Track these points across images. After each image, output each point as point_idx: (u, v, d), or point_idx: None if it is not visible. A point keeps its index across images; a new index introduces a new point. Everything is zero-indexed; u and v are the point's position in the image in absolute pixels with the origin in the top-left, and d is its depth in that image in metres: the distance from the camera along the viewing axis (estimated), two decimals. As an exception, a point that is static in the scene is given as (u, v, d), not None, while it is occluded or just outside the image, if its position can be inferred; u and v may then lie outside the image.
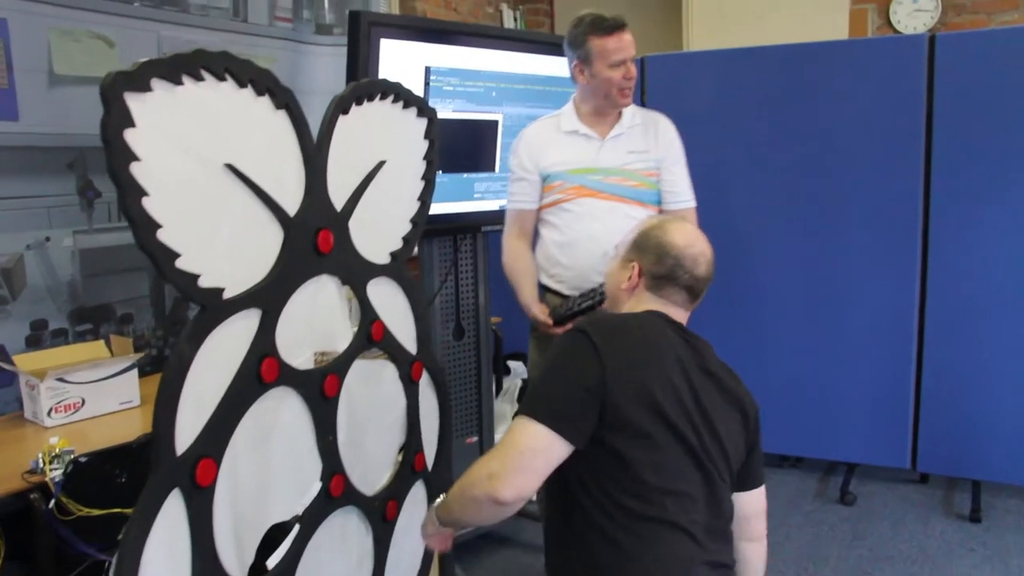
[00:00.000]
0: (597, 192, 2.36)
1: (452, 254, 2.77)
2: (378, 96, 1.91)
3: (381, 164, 1.92)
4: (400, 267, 2.03)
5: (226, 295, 1.51)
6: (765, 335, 3.47)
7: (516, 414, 1.58)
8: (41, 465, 1.87)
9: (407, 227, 2.06)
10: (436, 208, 2.54)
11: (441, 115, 2.49)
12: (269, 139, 1.60)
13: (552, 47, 2.76)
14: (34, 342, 2.50)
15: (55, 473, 1.86)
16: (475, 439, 2.95)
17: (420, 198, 2.11)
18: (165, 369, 1.41)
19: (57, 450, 1.88)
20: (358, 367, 1.92)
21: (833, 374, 3.39)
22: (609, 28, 2.30)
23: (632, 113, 2.44)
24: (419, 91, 2.42)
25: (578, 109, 2.41)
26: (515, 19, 4.76)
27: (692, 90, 3.49)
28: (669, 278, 1.76)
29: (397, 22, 2.41)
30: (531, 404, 1.57)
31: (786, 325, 3.43)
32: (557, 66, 2.77)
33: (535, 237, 2.48)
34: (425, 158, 2.11)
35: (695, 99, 3.48)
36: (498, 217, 2.74)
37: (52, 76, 2.56)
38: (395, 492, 2.03)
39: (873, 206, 3.25)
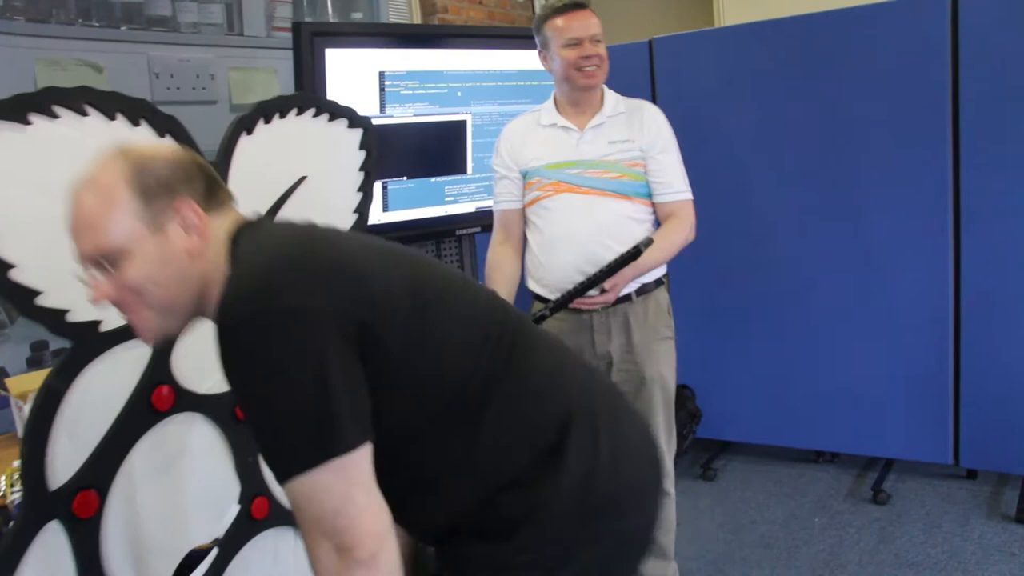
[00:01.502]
0: (576, 187, 2.23)
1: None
2: (293, 111, 1.89)
3: (302, 180, 1.90)
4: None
5: (104, 327, 1.52)
6: (791, 327, 3.28)
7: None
8: (3, 487, 1.94)
9: (341, 241, 2.04)
10: (404, 214, 2.52)
11: (400, 120, 2.47)
12: (152, 168, 1.60)
13: (521, 40, 2.67)
14: (36, 363, 2.61)
15: (16, 495, 1.93)
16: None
17: (357, 210, 2.08)
18: (33, 405, 1.43)
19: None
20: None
21: (866, 365, 3.17)
22: (562, 9, 2.20)
23: (615, 101, 2.31)
24: (374, 98, 2.39)
25: (557, 101, 2.30)
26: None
27: (703, 71, 3.32)
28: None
29: (341, 30, 2.38)
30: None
31: (813, 315, 3.23)
32: (529, 59, 2.68)
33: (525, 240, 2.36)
34: (362, 169, 2.08)
35: (706, 80, 3.31)
36: (474, 219, 2.69)
37: (41, 106, 2.65)
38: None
39: (899, 186, 3.01)
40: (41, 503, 1.43)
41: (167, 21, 2.99)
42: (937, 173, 2.95)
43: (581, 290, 2.15)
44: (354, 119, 2.04)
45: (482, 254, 3.17)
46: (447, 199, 2.61)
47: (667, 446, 2.33)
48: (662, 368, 2.30)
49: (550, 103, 2.30)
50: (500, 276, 2.30)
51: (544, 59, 2.27)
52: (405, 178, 2.50)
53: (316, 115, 1.95)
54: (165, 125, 1.61)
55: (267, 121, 1.83)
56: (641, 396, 2.28)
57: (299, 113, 1.91)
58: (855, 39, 3.02)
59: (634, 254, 2.09)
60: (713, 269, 3.39)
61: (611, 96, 2.30)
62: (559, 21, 2.19)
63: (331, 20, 3.51)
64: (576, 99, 2.25)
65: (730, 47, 3.26)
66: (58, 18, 2.72)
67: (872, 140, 3.04)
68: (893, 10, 2.99)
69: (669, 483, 2.36)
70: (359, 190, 2.08)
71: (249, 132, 1.79)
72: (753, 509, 3.08)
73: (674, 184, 2.28)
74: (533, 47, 2.65)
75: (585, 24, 2.19)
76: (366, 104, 2.37)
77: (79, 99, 1.46)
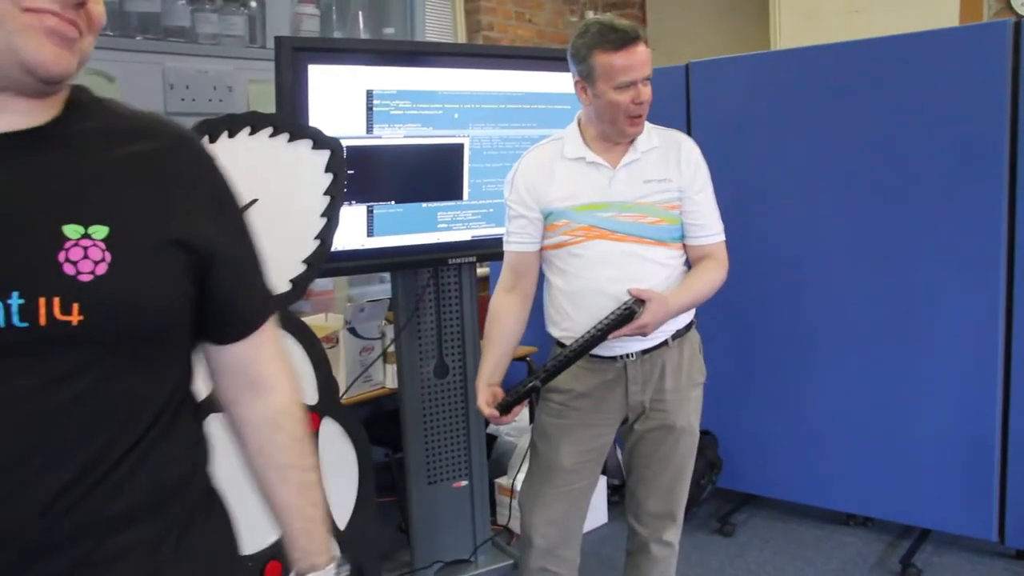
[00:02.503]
0: (609, 233, 1.99)
1: (424, 287, 2.61)
2: (245, 131, 1.80)
3: (251, 203, 1.81)
4: (283, 312, 1.91)
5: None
6: (823, 377, 3.03)
7: None
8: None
9: (297, 268, 1.94)
10: (391, 240, 2.41)
11: (388, 141, 2.36)
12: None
13: (525, 61, 2.54)
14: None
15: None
16: (464, 483, 2.77)
17: (319, 236, 1.98)
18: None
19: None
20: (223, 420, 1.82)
21: (905, 423, 2.89)
22: (617, 42, 1.89)
23: (648, 134, 2.02)
24: (361, 117, 2.28)
25: (584, 131, 2.04)
26: (599, 25, 4.52)
27: (741, 97, 3.11)
28: None
29: (325, 46, 2.29)
30: None
31: (850, 364, 2.98)
32: (535, 81, 2.54)
33: (541, 280, 2.13)
34: (327, 193, 1.98)
35: (744, 106, 3.10)
36: (469, 248, 2.56)
37: (47, 115, 2.65)
38: (279, 551, 1.90)
39: (948, 227, 2.74)
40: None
41: (185, 32, 2.96)
42: (991, 216, 2.68)
43: (573, 357, 1.93)
44: (319, 140, 1.94)
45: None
46: (440, 226, 2.48)
47: (681, 497, 2.17)
48: (691, 417, 2.12)
49: (574, 133, 2.04)
50: (499, 333, 2.08)
51: (582, 90, 1.98)
52: (393, 202, 2.38)
53: (273, 135, 1.85)
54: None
55: (212, 140, 1.74)
56: (666, 444, 2.10)
57: (252, 132, 1.82)
58: (904, 68, 2.77)
59: (627, 315, 1.88)
60: (743, 308, 3.16)
61: (643, 127, 2.03)
62: (615, 59, 1.89)
63: (362, 36, 3.44)
64: (615, 139, 2.01)
65: (770, 72, 3.05)
66: (71, 28, 2.72)
67: (922, 177, 2.78)
68: (947, 37, 2.73)
69: (673, 535, 2.17)
70: (323, 215, 1.98)
71: (189, 152, 1.70)
72: (769, 571, 2.84)
73: (711, 226, 2.06)
74: (538, 68, 2.53)
75: (642, 63, 1.92)
76: (352, 124, 2.27)
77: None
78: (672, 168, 2.00)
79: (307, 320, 3.16)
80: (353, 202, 2.31)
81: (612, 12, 4.75)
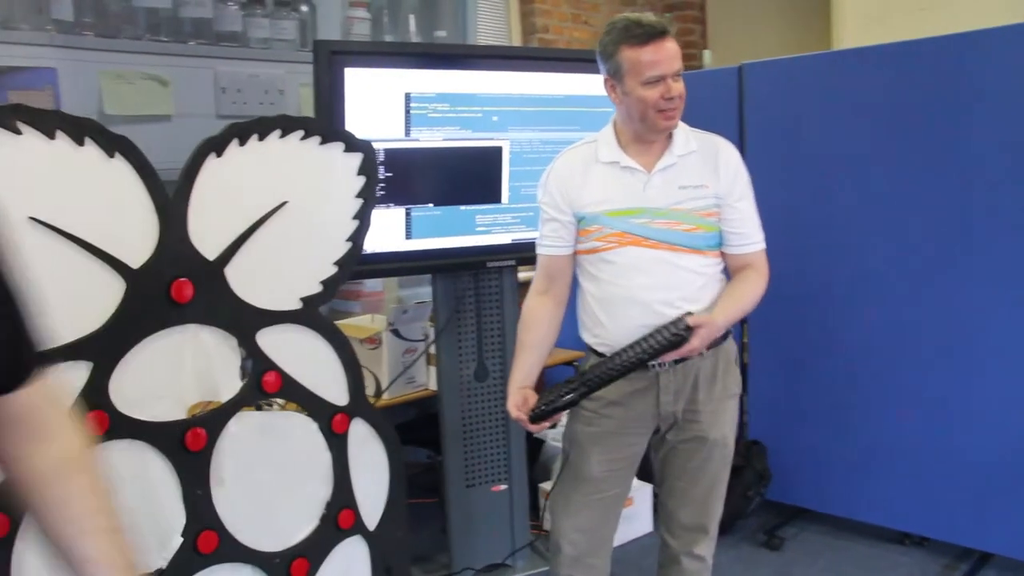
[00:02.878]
0: (643, 239, 1.94)
1: (465, 290, 2.60)
2: (275, 133, 1.82)
3: (281, 205, 1.83)
4: (313, 313, 1.92)
5: (32, 349, 1.48)
6: (880, 388, 2.92)
7: None
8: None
9: (329, 270, 1.95)
10: (429, 243, 2.41)
11: (427, 144, 2.36)
12: (99, 189, 1.56)
13: (564, 63, 2.50)
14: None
15: None
16: (503, 487, 2.75)
17: (350, 238, 1.99)
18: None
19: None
20: (254, 419, 1.84)
21: (966, 439, 2.77)
22: (643, 37, 1.85)
23: (686, 138, 1.97)
24: (399, 120, 2.29)
25: (618, 134, 2.00)
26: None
27: (796, 99, 3.03)
28: None
29: (363, 49, 2.30)
30: None
31: (911, 376, 2.86)
32: (576, 83, 2.51)
33: (575, 286, 2.11)
34: (360, 195, 1.99)
35: (799, 109, 3.02)
36: (509, 251, 2.54)
37: (103, 117, 2.72)
38: (308, 549, 1.92)
39: (1013, 237, 2.62)
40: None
41: (237, 37, 3.02)
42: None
43: (616, 375, 1.89)
44: (351, 143, 1.95)
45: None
46: (478, 229, 2.47)
47: (715, 510, 2.11)
48: (725, 429, 2.05)
49: (609, 135, 2.00)
50: (532, 337, 2.05)
51: (611, 88, 1.95)
52: (431, 205, 2.38)
53: (304, 138, 1.87)
54: (115, 145, 1.57)
55: (242, 143, 1.76)
56: (699, 456, 2.05)
57: (283, 135, 1.83)
58: (973, 66, 2.65)
59: (678, 341, 1.84)
60: (797, 315, 3.07)
61: (681, 130, 1.98)
62: (642, 54, 1.85)
63: (413, 39, 3.46)
64: (648, 138, 1.96)
65: (826, 73, 2.96)
66: (127, 33, 2.80)
67: (985, 185, 2.65)
68: (1016, 32, 2.60)
69: (705, 549, 2.12)
70: (355, 217, 1.98)
71: (219, 154, 1.73)
72: (814, 589, 2.76)
73: (751, 234, 1.99)
74: (578, 71, 2.50)
75: (670, 58, 1.86)
76: (390, 127, 2.28)
77: (11, 117, 1.44)
78: (709, 174, 1.94)
79: (353, 321, 3.19)
80: (391, 204, 2.32)
81: (671, 13, 4.68)
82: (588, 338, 2.06)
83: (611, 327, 2.00)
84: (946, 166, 2.71)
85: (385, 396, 2.83)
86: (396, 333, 2.84)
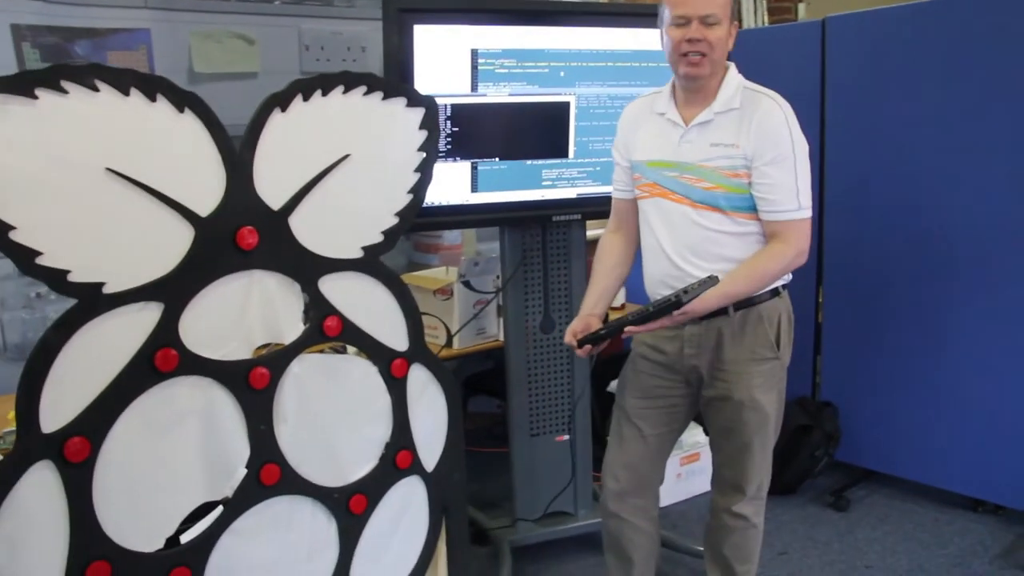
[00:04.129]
0: (669, 192, 2.01)
1: (532, 243, 2.65)
2: (338, 89, 1.90)
3: (344, 158, 1.91)
4: (374, 261, 2.00)
5: (107, 289, 1.62)
6: (962, 347, 2.84)
7: None
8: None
9: (390, 221, 2.03)
10: (495, 196, 2.47)
11: (493, 99, 2.40)
12: (170, 143, 1.67)
13: (633, 17, 2.49)
14: None
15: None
16: (566, 437, 2.82)
17: (412, 191, 2.06)
18: (31, 354, 1.56)
19: None
20: (316, 361, 1.95)
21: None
22: None
23: (732, 94, 1.96)
24: (466, 76, 2.34)
25: (674, 87, 2.05)
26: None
27: (882, 54, 2.93)
28: None
29: (432, 6, 2.33)
30: None
31: (989, 336, 2.77)
32: (643, 38, 2.49)
33: None
34: (421, 149, 2.05)
35: (885, 66, 2.92)
36: (574, 206, 2.58)
37: (192, 75, 2.88)
38: (366, 486, 2.03)
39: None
40: (33, 442, 1.56)
41: (322, -6, 3.12)
42: None
43: (635, 320, 1.92)
44: (413, 97, 2.01)
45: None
46: (544, 183, 2.51)
47: (751, 471, 2.11)
48: (754, 392, 2.04)
49: (668, 88, 2.07)
50: (601, 268, 2.17)
51: (661, 38, 2.01)
52: (498, 159, 2.43)
53: (367, 93, 1.94)
54: (185, 100, 1.67)
55: (306, 98, 1.84)
56: (727, 415, 2.07)
57: (345, 91, 1.90)
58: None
59: (674, 303, 1.84)
60: (874, 277, 3.01)
61: (730, 86, 1.97)
62: None
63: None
64: (685, 87, 1.99)
65: (907, 25, 2.84)
66: (217, -6, 2.93)
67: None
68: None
69: (747, 508, 2.15)
70: (416, 170, 2.05)
71: (283, 109, 1.81)
72: (876, 552, 2.73)
73: (781, 202, 1.94)
74: (643, 25, 2.50)
75: (697, 2, 1.88)
76: (457, 82, 2.33)
77: (89, 75, 1.55)
78: (742, 134, 1.93)
79: (430, 273, 3.29)
80: (457, 158, 2.38)
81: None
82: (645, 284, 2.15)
83: (645, 275, 2.13)
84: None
85: (456, 346, 2.92)
86: (467, 285, 2.92)
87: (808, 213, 1.96)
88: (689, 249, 1.98)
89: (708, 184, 1.96)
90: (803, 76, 2.91)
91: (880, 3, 3.02)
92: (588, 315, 2.10)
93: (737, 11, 2.01)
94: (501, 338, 3.01)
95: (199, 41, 2.88)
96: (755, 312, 2.02)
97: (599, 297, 2.14)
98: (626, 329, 1.92)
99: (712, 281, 1.84)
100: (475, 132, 2.39)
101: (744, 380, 2.03)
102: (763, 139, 1.93)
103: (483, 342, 3.01)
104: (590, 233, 2.79)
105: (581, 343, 2.03)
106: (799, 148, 1.95)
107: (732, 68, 2.01)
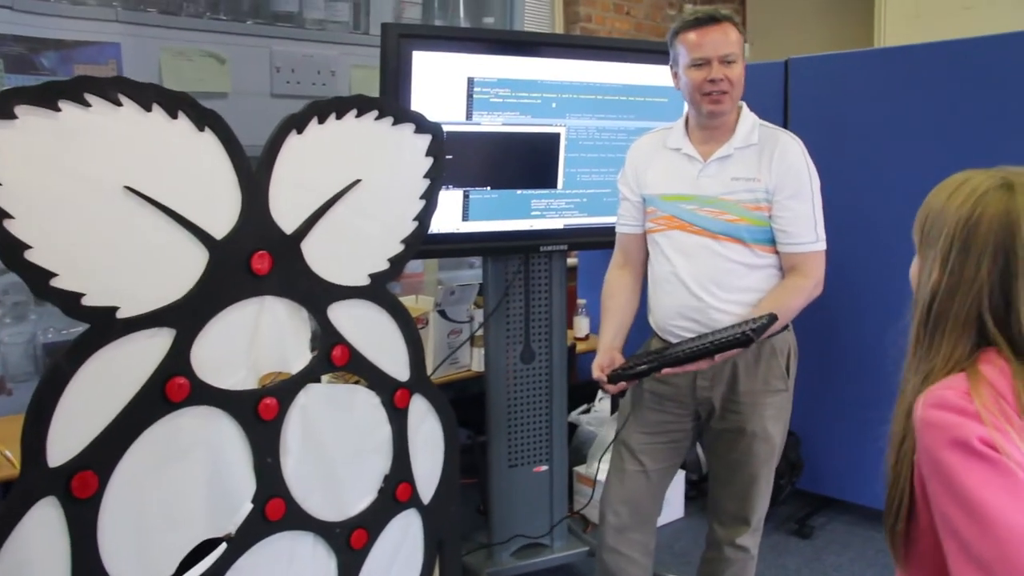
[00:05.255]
0: (688, 225, 2.03)
1: (515, 273, 2.65)
2: (352, 113, 1.86)
3: (355, 183, 1.87)
4: (381, 289, 1.97)
5: (121, 314, 1.54)
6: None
7: None
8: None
9: (395, 248, 1.99)
10: (485, 225, 2.45)
11: (487, 128, 2.40)
12: (189, 162, 1.61)
13: (624, 52, 2.54)
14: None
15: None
16: (545, 468, 2.80)
17: (417, 218, 2.03)
18: (40, 383, 1.47)
19: None
20: (321, 391, 1.89)
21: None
22: (695, 22, 1.95)
23: (749, 130, 2.02)
24: (461, 104, 2.33)
25: (688, 123, 2.09)
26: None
27: (841, 96, 3.05)
28: None
29: (431, 33, 2.33)
30: None
31: None
32: (634, 73, 2.54)
33: None
34: (427, 176, 2.03)
35: (844, 106, 3.04)
36: (561, 236, 2.59)
37: (161, 92, 2.77)
38: (366, 520, 1.98)
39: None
40: (39, 477, 1.46)
41: (293, 17, 3.07)
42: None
43: (679, 360, 1.87)
44: (422, 124, 1.99)
45: (587, 272, 3.06)
46: (533, 213, 2.51)
47: (757, 502, 2.14)
48: (767, 423, 2.07)
49: (680, 124, 2.10)
50: (615, 304, 2.16)
51: (674, 77, 2.05)
52: (489, 188, 2.42)
53: (378, 118, 1.91)
54: (205, 119, 1.61)
55: (321, 121, 1.81)
56: (738, 447, 2.09)
57: (358, 115, 1.87)
58: (1018, 66, 2.68)
59: (743, 341, 1.79)
60: (834, 309, 3.10)
61: (746, 123, 2.03)
62: (690, 36, 1.95)
63: (462, 24, 3.50)
64: (704, 124, 2.03)
65: (873, 71, 2.98)
66: (188, 11, 2.84)
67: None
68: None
69: (749, 540, 2.16)
70: (422, 197, 2.03)
71: (300, 131, 1.77)
72: (846, 575, 2.81)
73: (801, 235, 1.98)
74: (638, 61, 2.54)
75: (716, 42, 1.93)
76: (452, 110, 2.32)
77: (112, 89, 1.48)
78: (763, 168, 1.98)
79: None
80: (450, 186, 2.37)
81: (712, 6, 4.69)
82: (650, 319, 2.15)
83: (655, 307, 2.11)
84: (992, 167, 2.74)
85: (432, 378, 2.88)
86: (443, 314, 2.89)
87: (824, 245, 2.02)
88: (712, 280, 2.00)
89: (731, 216, 1.99)
90: (768, 114, 3.01)
91: (816, 49, 3.16)
92: (610, 349, 2.07)
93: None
94: (474, 368, 2.99)
95: (170, 58, 2.79)
96: (768, 345, 2.06)
97: (616, 331, 2.12)
98: (664, 371, 1.89)
99: (772, 319, 1.83)
100: (469, 160, 2.38)
101: (758, 412, 2.05)
102: (784, 173, 1.97)
103: (457, 372, 2.97)
104: (570, 261, 2.81)
105: (613, 379, 1.99)
106: (815, 183, 2.01)
107: (745, 106, 2.07)
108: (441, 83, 2.30)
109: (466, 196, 2.40)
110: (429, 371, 2.87)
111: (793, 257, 2.00)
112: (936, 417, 1.02)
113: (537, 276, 2.70)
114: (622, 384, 2.02)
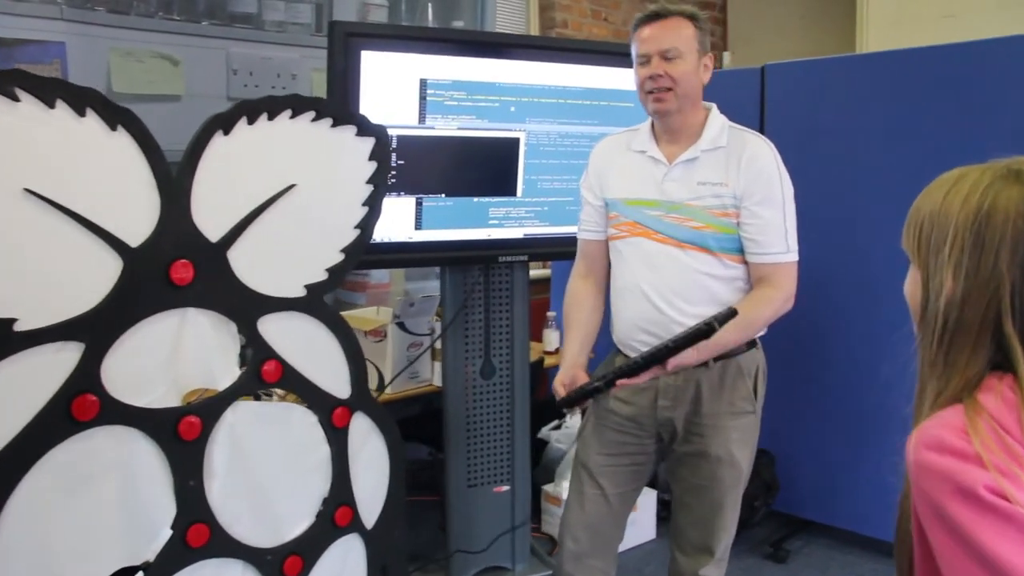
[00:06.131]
0: (652, 232, 1.90)
1: (473, 284, 2.53)
2: (285, 113, 1.75)
3: (289, 188, 1.76)
4: (317, 301, 1.85)
5: (20, 326, 1.42)
6: (890, 402, 2.84)
7: None
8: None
9: (335, 257, 1.88)
10: (440, 234, 2.34)
11: (441, 132, 2.29)
12: (99, 163, 1.50)
13: (585, 54, 2.43)
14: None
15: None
16: (506, 488, 2.69)
17: (359, 226, 1.92)
18: (-75, 404, 1.35)
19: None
20: (251, 409, 1.78)
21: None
22: (643, 20, 1.87)
23: (718, 132, 1.89)
24: (413, 106, 2.23)
25: (653, 125, 1.97)
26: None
27: (818, 102, 2.96)
28: None
29: (380, 32, 2.23)
30: None
31: (922, 389, 2.79)
32: (597, 77, 2.44)
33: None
34: (370, 181, 1.92)
35: (821, 112, 2.95)
36: (521, 247, 2.48)
37: (111, 95, 2.65)
38: (302, 546, 1.86)
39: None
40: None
41: (252, 19, 2.96)
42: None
43: (633, 369, 1.74)
44: (364, 126, 1.88)
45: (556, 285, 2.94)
46: (491, 222, 2.40)
47: (721, 531, 2.00)
48: (732, 447, 1.94)
49: (647, 126, 1.97)
50: (578, 316, 2.03)
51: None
52: (444, 195, 2.32)
53: (316, 119, 1.80)
54: (118, 117, 1.50)
55: (251, 122, 1.70)
56: (702, 472, 1.96)
57: (293, 116, 1.76)
58: (997, 73, 2.58)
59: (704, 332, 1.67)
60: (809, 323, 3.00)
61: (715, 124, 1.91)
62: (641, 32, 1.87)
63: (432, 23, 3.40)
64: (664, 126, 1.92)
65: (849, 77, 2.89)
66: (138, 11, 2.74)
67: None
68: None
69: (713, 571, 2.03)
70: (364, 204, 1.92)
71: (226, 132, 1.66)
72: (821, 605, 2.69)
73: (771, 244, 1.86)
74: (599, 63, 2.44)
75: (658, 37, 1.83)
76: (404, 113, 2.22)
77: (9, 83, 1.37)
78: (731, 172, 1.86)
79: (359, 312, 3.13)
80: (402, 193, 2.26)
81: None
82: (612, 332, 2.03)
83: (617, 319, 1.99)
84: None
85: (388, 391, 2.77)
86: (401, 326, 2.77)
87: (795, 256, 1.90)
88: (674, 292, 1.88)
89: (697, 224, 1.87)
90: (743, 121, 2.92)
91: (798, 56, 3.07)
92: (573, 366, 1.95)
93: (707, 47, 1.94)
94: (435, 383, 2.87)
95: (119, 59, 2.68)
96: (734, 364, 1.93)
97: (581, 346, 2.00)
98: (618, 382, 1.76)
99: (733, 313, 1.68)
100: (421, 166, 2.27)
101: (722, 435, 1.93)
102: (753, 178, 1.85)
103: (417, 387, 2.85)
104: (533, 272, 2.70)
105: (570, 401, 1.86)
106: (787, 190, 1.90)
107: (715, 108, 1.96)
108: (392, 85, 2.20)
109: (419, 204, 2.29)
110: (387, 385, 2.77)
111: (762, 268, 1.89)
112: (934, 461, 0.90)
113: (498, 288, 2.59)
114: (584, 403, 1.91)
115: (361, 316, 2.95)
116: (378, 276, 3.39)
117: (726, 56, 4.32)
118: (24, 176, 1.41)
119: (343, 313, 3.08)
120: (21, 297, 1.42)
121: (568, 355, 1.98)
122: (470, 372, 2.60)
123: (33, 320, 1.44)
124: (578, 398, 1.86)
